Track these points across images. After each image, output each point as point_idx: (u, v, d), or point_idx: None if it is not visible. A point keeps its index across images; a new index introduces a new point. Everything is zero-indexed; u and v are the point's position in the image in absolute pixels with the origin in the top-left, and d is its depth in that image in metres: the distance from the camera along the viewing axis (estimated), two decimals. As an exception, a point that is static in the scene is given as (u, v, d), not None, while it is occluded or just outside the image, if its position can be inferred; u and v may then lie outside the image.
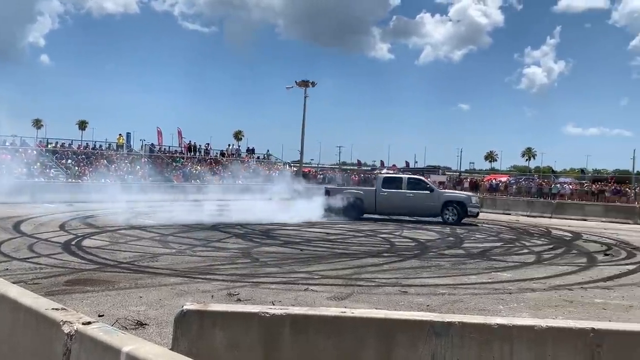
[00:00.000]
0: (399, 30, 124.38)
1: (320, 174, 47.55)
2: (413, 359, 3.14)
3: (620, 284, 9.06)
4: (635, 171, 62.96)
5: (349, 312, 3.33)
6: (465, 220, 19.35)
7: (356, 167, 70.48)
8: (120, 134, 39.19)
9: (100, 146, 37.94)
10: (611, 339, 3.05)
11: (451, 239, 15.00)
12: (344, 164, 79.57)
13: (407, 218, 19.89)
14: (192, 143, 41.54)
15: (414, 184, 20.18)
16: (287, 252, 11.25)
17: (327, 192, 20.66)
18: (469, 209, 19.18)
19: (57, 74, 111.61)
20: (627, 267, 10.92)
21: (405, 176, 22.01)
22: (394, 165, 67.79)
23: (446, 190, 23.46)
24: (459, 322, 3.15)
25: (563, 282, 8.99)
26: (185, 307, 3.33)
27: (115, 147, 37.21)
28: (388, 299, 7.47)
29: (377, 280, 8.73)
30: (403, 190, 19.74)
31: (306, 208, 19.66)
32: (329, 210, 19.68)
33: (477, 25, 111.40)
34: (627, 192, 36.66)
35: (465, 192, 23.72)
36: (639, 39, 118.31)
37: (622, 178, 48.29)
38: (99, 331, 2.55)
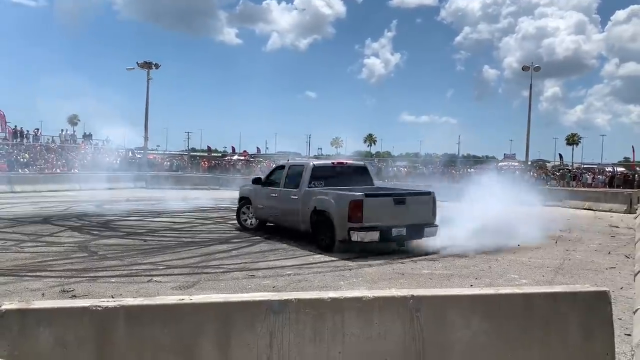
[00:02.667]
0: (246, 15, 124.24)
1: (167, 161, 45.90)
2: (252, 338, 3.22)
3: (443, 255, 10.10)
4: (460, 154, 70.49)
5: (187, 298, 3.30)
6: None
7: (206, 154, 69.17)
8: None
9: None
10: (427, 303, 3.42)
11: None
12: (194, 149, 77.56)
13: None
14: (19, 128, 37.37)
15: None
16: (130, 244, 10.71)
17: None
18: None
19: None
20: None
21: None
22: (245, 151, 67.82)
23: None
24: (295, 299, 3.30)
25: (398, 256, 9.79)
26: (3, 307, 3.04)
27: None
28: (236, 284, 7.51)
29: (224, 266, 8.72)
30: None
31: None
32: None
33: (321, 15, 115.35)
34: (452, 173, 41.02)
35: None
36: (462, 35, 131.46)
37: (449, 161, 53.78)
38: None
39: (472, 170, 41.71)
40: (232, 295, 3.48)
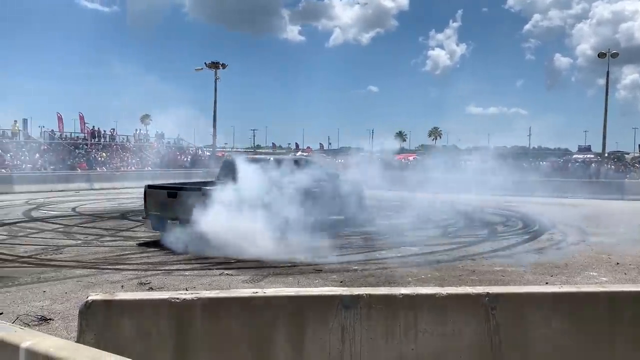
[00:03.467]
0: (309, 12, 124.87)
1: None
2: (324, 333, 3.24)
3: (516, 252, 9.77)
4: (531, 147, 67.83)
5: (261, 292, 3.36)
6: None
7: (271, 150, 70.35)
8: (15, 121, 36.37)
9: (-8, 134, 35.00)
10: (503, 300, 3.31)
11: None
12: (259, 147, 79.10)
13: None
14: (96, 129, 39.39)
15: None
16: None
17: None
18: None
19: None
20: (523, 236, 11.79)
21: None
22: (308, 147, 68.39)
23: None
24: (366, 295, 3.28)
25: (467, 252, 9.57)
26: (90, 298, 3.21)
27: (10, 135, 34.49)
28: (304, 278, 7.58)
29: (292, 260, 8.81)
30: None
31: None
32: None
33: (383, 8, 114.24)
34: (523, 167, 39.52)
35: None
36: (531, 23, 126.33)
37: (519, 155, 51.85)
38: (-6, 329, 2.42)
39: (544, 163, 40.10)
40: (303, 289, 3.52)
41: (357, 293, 3.29)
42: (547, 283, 7.20)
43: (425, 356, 3.26)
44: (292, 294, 3.41)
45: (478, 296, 3.30)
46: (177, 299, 3.20)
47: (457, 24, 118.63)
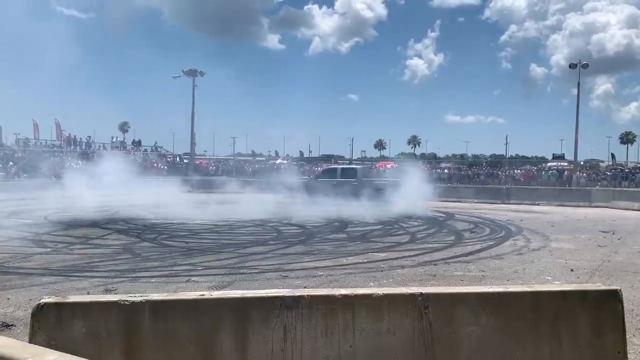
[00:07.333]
0: (288, 21, 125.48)
1: (212, 166, 46.96)
2: (267, 332, 3.42)
3: (479, 257, 10.07)
4: (508, 155, 68.83)
5: (208, 294, 3.53)
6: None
7: (251, 158, 70.26)
8: (-13, 128, 35.97)
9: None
10: (435, 300, 3.53)
11: (336, 224, 15.66)
12: (239, 154, 78.96)
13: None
14: (72, 136, 39.16)
15: None
16: (172, 246, 11.16)
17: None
18: None
19: None
20: (488, 242, 12.12)
21: None
22: (287, 155, 68.52)
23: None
24: (307, 295, 3.47)
25: (430, 258, 9.83)
26: (42, 300, 3.35)
27: (-18, 143, 34.10)
28: (269, 284, 7.75)
29: (260, 267, 8.99)
30: None
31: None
32: None
33: (362, 18, 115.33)
34: (498, 175, 40.21)
35: None
36: (508, 34, 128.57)
37: (496, 162, 52.62)
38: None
39: (518, 171, 40.84)
40: (249, 292, 3.68)
41: (298, 294, 3.48)
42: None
43: (362, 353, 3.46)
44: (238, 295, 3.59)
45: (412, 296, 3.52)
46: (126, 301, 3.35)
47: (435, 34, 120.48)
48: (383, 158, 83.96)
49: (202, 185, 33.49)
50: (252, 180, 36.23)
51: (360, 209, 18.61)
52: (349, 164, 53.31)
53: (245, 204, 20.86)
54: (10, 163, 29.98)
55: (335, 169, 24.52)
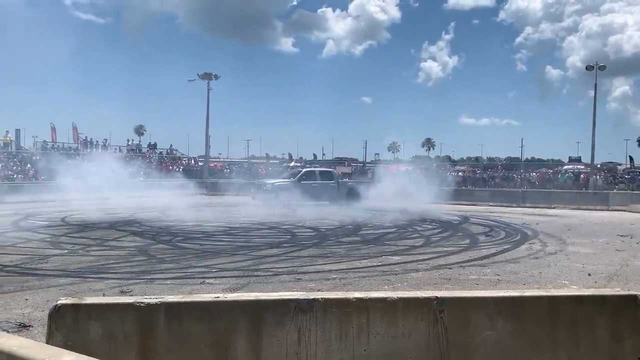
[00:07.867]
0: (301, 24, 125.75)
1: (227, 168, 47.15)
2: (281, 335, 3.42)
3: (494, 261, 9.98)
4: (523, 158, 68.23)
5: (222, 296, 3.55)
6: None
7: (265, 160, 70.48)
8: (7, 131, 36.50)
9: (-18, 145, 35.06)
10: (451, 304, 3.51)
11: (350, 227, 15.63)
12: (253, 157, 79.23)
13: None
14: (89, 139, 39.61)
15: None
16: (186, 248, 11.23)
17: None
18: None
19: None
20: (504, 246, 12.01)
21: None
22: (300, 158, 68.62)
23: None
24: (321, 299, 3.47)
25: (445, 262, 9.77)
26: (59, 302, 3.39)
27: (1, 145, 34.59)
28: (282, 286, 7.75)
29: (274, 269, 9.00)
30: None
31: None
32: None
33: (375, 21, 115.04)
34: (514, 178, 39.86)
35: None
36: (523, 36, 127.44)
37: (511, 165, 52.15)
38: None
39: (534, 174, 40.43)
40: (263, 294, 3.69)
41: (312, 297, 3.48)
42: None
43: (376, 357, 3.44)
44: (252, 298, 3.60)
45: (427, 300, 3.50)
46: (142, 303, 3.38)
47: (450, 36, 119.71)
48: (397, 160, 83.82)
49: (216, 187, 33.68)
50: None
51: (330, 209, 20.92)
52: (363, 166, 53.54)
53: (251, 207, 21.12)
54: (29, 165, 30.39)
55: (314, 171, 26.42)
